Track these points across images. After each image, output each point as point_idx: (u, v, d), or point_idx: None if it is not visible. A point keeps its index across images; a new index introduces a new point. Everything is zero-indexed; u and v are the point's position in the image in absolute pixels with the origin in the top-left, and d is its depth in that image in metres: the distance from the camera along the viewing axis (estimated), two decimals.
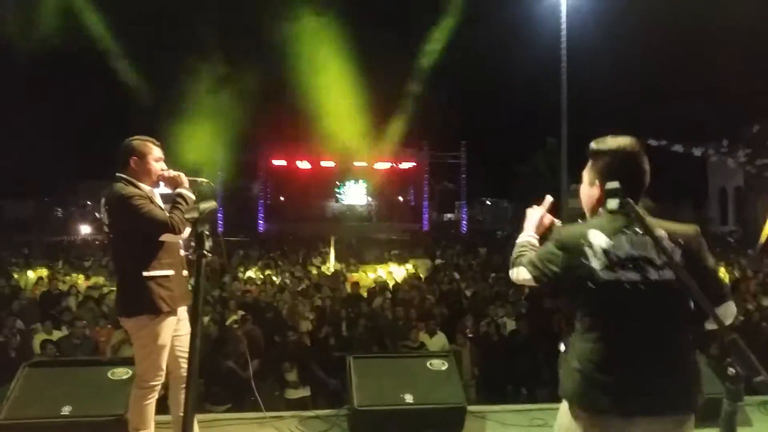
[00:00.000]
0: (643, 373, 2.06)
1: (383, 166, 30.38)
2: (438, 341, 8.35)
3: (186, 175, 3.51)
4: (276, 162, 28.93)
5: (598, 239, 2.13)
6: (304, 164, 28.91)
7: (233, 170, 28.85)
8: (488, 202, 42.99)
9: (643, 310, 2.07)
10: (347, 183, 31.63)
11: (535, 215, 2.57)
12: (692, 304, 2.09)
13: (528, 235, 2.49)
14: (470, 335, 8.60)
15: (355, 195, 31.82)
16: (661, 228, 2.14)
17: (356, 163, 29.57)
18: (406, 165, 30.87)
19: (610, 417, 2.08)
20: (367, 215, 31.04)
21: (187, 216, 2.80)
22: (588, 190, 2.32)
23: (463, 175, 30.99)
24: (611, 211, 2.00)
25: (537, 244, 2.44)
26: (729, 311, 2.15)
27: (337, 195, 31.77)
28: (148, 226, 3.31)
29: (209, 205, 2.30)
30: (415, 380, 4.49)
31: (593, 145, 2.29)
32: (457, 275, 13.46)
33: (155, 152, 3.56)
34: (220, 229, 26.37)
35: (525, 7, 27.11)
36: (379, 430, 4.26)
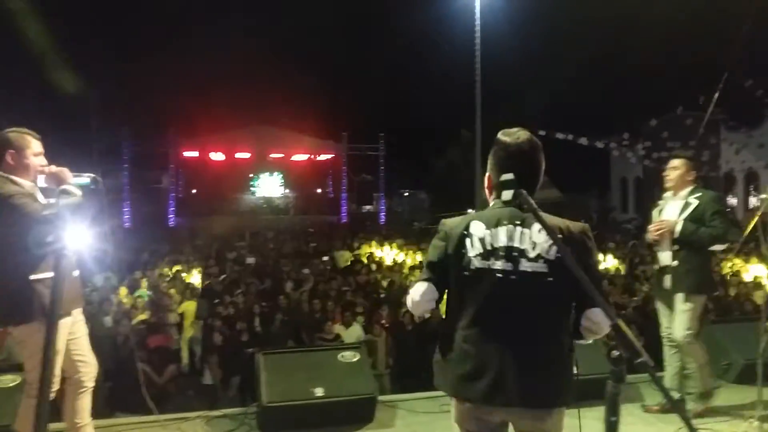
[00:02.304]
0: (509, 364, 2.08)
1: (301, 157, 29.99)
2: (354, 332, 8.37)
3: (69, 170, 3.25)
4: (187, 153, 27.88)
5: (477, 229, 2.18)
6: (217, 156, 27.98)
7: (141, 162, 27.65)
8: (406, 194, 43.47)
9: (512, 299, 2.12)
10: (263, 175, 30.96)
11: None
12: (570, 296, 2.12)
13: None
14: (386, 325, 8.66)
15: (271, 187, 31.20)
16: (555, 222, 2.19)
17: (272, 155, 29.02)
18: (324, 157, 30.61)
19: (475, 405, 2.15)
20: (283, 208, 30.51)
21: (45, 212, 2.62)
22: (485, 180, 2.38)
23: (382, 167, 31.12)
24: (506, 202, 2.02)
25: None
26: (600, 317, 2.14)
27: (253, 187, 31.04)
28: (32, 226, 3.06)
29: (69, 200, 2.14)
30: (325, 373, 4.50)
31: (498, 136, 2.33)
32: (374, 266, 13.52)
33: (34, 146, 3.29)
34: (127, 225, 25.20)
35: (440, 3, 27.54)
36: (288, 426, 4.21)
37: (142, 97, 28.51)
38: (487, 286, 2.13)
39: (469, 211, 2.66)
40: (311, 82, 35.31)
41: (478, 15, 23.67)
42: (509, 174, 1.99)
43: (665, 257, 4.33)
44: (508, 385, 2.08)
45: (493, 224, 2.19)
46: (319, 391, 4.32)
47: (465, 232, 2.19)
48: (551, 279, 2.10)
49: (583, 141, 25.38)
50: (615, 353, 1.70)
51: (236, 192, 29.73)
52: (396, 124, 34.31)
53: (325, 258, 15.02)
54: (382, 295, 10.68)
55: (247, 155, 28.30)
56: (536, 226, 2.12)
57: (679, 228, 4.14)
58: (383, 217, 31.76)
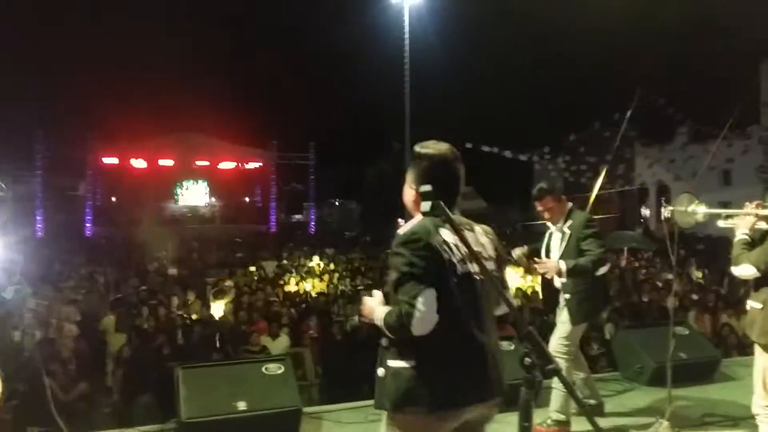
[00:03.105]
0: (489, 360, 2.22)
1: (227, 165, 29.29)
2: (281, 343, 8.22)
3: None
4: (107, 160, 26.65)
5: (448, 236, 2.22)
6: (139, 162, 26.88)
7: (56, 168, 26.14)
8: (337, 203, 43.38)
9: (484, 299, 2.26)
10: (187, 183, 30.00)
11: None
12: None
13: None
14: (314, 335, 8.56)
15: (196, 196, 30.28)
16: (475, 225, 2.37)
17: (198, 163, 28.20)
18: (252, 165, 30.05)
19: (454, 410, 2.17)
20: (209, 217, 29.70)
21: None
22: (407, 191, 2.40)
23: (312, 176, 30.91)
24: (424, 213, 2.03)
25: None
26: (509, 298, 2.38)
27: (176, 196, 30.00)
28: None
29: None
30: (249, 386, 4.37)
31: (416, 148, 2.38)
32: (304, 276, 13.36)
33: None
34: (39, 234, 23.77)
35: (371, 16, 27.77)
36: None
37: (57, 98, 27.11)
38: (468, 289, 2.23)
39: (400, 221, 2.66)
40: (239, 90, 34.76)
41: (407, 28, 24.03)
42: (427, 186, 2.01)
43: (557, 282, 4.43)
44: (491, 381, 2.22)
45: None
46: (241, 405, 4.19)
47: (441, 239, 2.21)
48: (497, 275, 2.33)
49: (508, 154, 26.19)
50: (527, 360, 1.74)
51: (159, 200, 28.66)
52: (326, 133, 34.26)
53: (252, 268, 14.72)
54: (311, 306, 10.57)
55: (170, 162, 27.37)
56: (478, 229, 2.34)
57: (564, 269, 4.16)
58: (313, 226, 31.53)
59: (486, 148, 26.63)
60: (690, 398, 4.92)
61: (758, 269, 3.21)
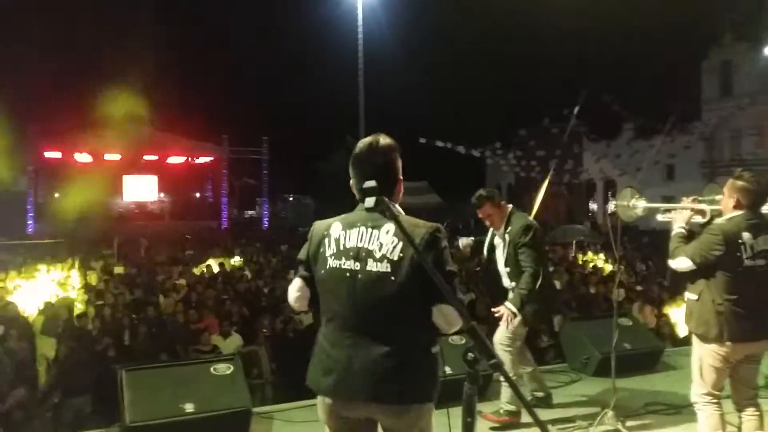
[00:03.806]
0: (356, 360, 2.19)
1: (177, 160, 28.60)
2: (233, 343, 8.09)
3: None
4: (49, 154, 25.61)
5: (335, 230, 2.30)
6: (83, 157, 25.93)
7: None
8: (291, 199, 43.00)
9: (361, 298, 2.21)
10: (135, 178, 29.14)
11: None
12: (422, 294, 2.13)
13: None
14: (267, 334, 8.45)
15: (144, 191, 29.45)
16: (412, 225, 2.23)
17: (146, 157, 27.42)
18: (203, 159, 29.45)
19: (333, 401, 2.26)
20: (158, 213, 28.94)
21: None
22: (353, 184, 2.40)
23: (265, 171, 30.50)
24: (368, 209, 2.02)
25: None
26: (447, 313, 2.21)
27: (123, 191, 29.10)
28: None
29: None
30: (197, 388, 4.30)
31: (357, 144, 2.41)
32: (248, 273, 13.17)
33: None
34: None
35: (325, 10, 27.58)
36: None
37: None
38: (339, 284, 2.24)
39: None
40: (190, 83, 33.99)
41: (360, 22, 23.95)
42: (371, 182, 1.99)
43: (506, 283, 4.44)
44: (354, 379, 2.18)
45: (349, 225, 2.30)
46: (189, 407, 4.11)
47: (326, 233, 2.32)
48: (394, 278, 2.16)
49: (461, 149, 26.50)
50: (470, 355, 1.74)
51: (104, 196, 27.74)
52: (280, 128, 33.90)
53: (203, 265, 14.42)
54: (264, 303, 10.43)
55: (117, 157, 26.51)
56: (385, 227, 2.20)
57: (515, 310, 4.14)
58: (266, 222, 31.15)
59: (440, 144, 26.92)
60: (634, 387, 5.07)
61: (694, 262, 3.31)
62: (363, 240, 2.24)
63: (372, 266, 2.19)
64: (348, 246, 2.24)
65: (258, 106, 35.11)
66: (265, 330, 8.52)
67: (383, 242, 2.20)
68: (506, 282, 4.42)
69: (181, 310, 9.31)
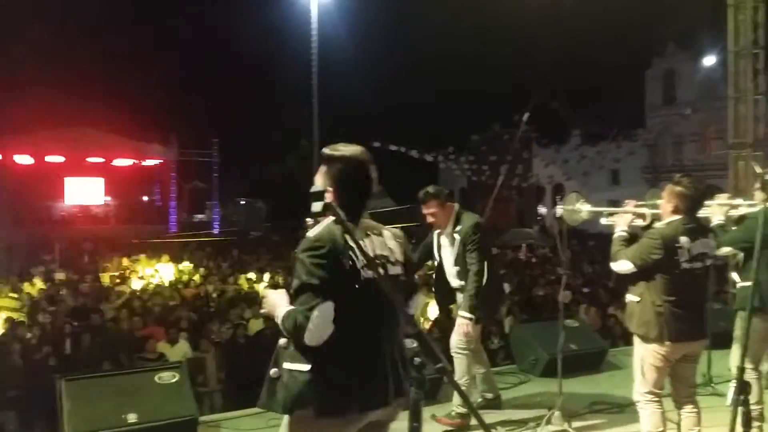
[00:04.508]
0: (393, 364, 2.26)
1: (124, 162, 27.73)
2: (180, 350, 7.91)
3: None
4: None
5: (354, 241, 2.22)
6: (23, 159, 24.82)
7: None
8: (242, 203, 42.34)
9: (387, 302, 2.16)
10: (79, 181, 28.08)
11: None
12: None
13: None
14: (216, 340, 8.28)
15: (88, 194, 28.42)
16: (384, 229, 2.39)
17: (90, 159, 26.48)
18: (150, 162, 28.64)
19: (352, 415, 2.19)
20: (103, 217, 28.01)
21: None
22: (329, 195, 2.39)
23: (216, 174, 29.95)
24: (316, 214, 1.99)
25: None
26: (419, 301, 2.53)
27: (67, 194, 27.99)
28: None
29: None
30: (141, 397, 4.19)
31: (327, 151, 2.38)
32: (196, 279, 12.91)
33: None
34: None
35: (279, 11, 27.35)
36: None
37: None
38: (372, 294, 2.18)
39: (309, 221, 2.60)
40: (137, 83, 33.11)
41: (314, 25, 23.82)
42: (318, 186, 1.99)
43: (453, 283, 4.47)
44: (391, 384, 2.23)
45: (363, 235, 2.30)
46: (132, 417, 4.00)
47: (346, 245, 2.20)
48: (404, 278, 2.39)
49: (414, 153, 26.71)
50: (417, 360, 1.74)
51: (46, 199, 26.64)
52: (231, 130, 33.36)
53: (150, 271, 14.04)
54: (213, 309, 10.22)
55: (60, 159, 25.50)
56: (387, 233, 2.37)
57: (468, 317, 4.16)
58: (217, 226, 30.59)
59: (393, 148, 27.05)
60: (580, 387, 5.18)
61: (634, 265, 3.42)
62: (377, 247, 2.32)
63: (392, 270, 2.34)
64: (372, 254, 2.27)
65: (208, 107, 34.43)
66: (214, 336, 8.35)
67: (391, 247, 2.36)
68: (454, 282, 4.43)
69: (126, 316, 9.03)
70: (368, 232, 2.32)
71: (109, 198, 29.07)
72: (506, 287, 11.98)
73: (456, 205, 4.47)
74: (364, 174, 2.36)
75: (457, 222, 4.35)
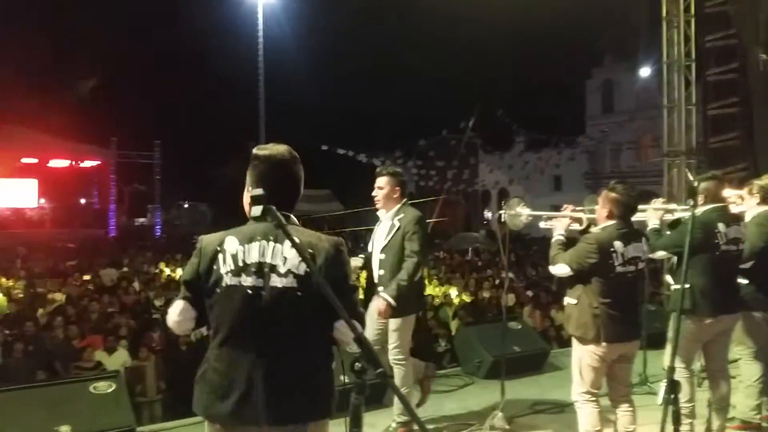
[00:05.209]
0: (258, 381, 2.09)
1: (60, 163, 26.64)
2: (119, 358, 7.65)
3: None
4: None
5: (231, 245, 2.17)
6: None
7: None
8: (186, 206, 41.36)
9: (263, 315, 2.11)
10: (11, 182, 26.78)
11: None
12: (324, 308, 2.07)
13: None
14: (156, 348, 8.04)
15: (22, 197, 27.15)
16: (296, 236, 2.14)
17: (24, 160, 25.30)
18: (88, 163, 27.61)
19: (233, 427, 2.14)
20: (38, 220, 26.82)
21: None
22: (246, 195, 2.33)
23: (158, 177, 29.12)
24: (255, 218, 1.97)
25: None
26: (345, 329, 2.18)
27: None
28: None
29: None
30: (74, 408, 4.03)
31: (254, 150, 2.31)
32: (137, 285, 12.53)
33: None
34: None
35: (224, 12, 26.91)
36: None
37: None
38: (238, 302, 2.12)
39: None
40: (75, 80, 31.86)
41: (260, 27, 23.57)
42: (258, 190, 1.94)
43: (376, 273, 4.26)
44: (256, 402, 2.08)
45: (247, 240, 2.18)
46: (64, 429, 3.84)
47: (219, 248, 2.17)
48: (300, 293, 2.12)
49: (362, 157, 26.72)
50: (357, 365, 1.74)
51: None
52: (174, 131, 32.57)
53: (87, 277, 13.53)
54: (155, 316, 9.92)
55: None
56: (288, 241, 2.11)
57: (391, 300, 3.98)
58: (159, 230, 29.76)
59: (341, 151, 27.01)
60: (522, 388, 5.29)
61: (571, 268, 3.52)
62: (265, 255, 2.14)
63: (277, 281, 2.12)
64: (249, 261, 2.13)
65: (150, 108, 33.48)
66: (154, 344, 8.11)
67: (287, 256, 2.13)
68: (375, 270, 4.18)
69: (61, 324, 8.67)
70: (259, 237, 2.15)
71: (43, 201, 27.88)
72: (452, 292, 12.11)
73: (405, 199, 4.32)
74: (287, 174, 2.27)
75: (400, 211, 4.21)
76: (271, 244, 2.15)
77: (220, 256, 2.15)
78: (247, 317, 2.11)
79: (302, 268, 2.12)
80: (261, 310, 2.10)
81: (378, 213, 4.35)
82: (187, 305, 2.18)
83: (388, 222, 4.22)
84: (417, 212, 4.28)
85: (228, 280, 2.13)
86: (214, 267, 2.15)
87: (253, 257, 2.14)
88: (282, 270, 2.12)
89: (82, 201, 30.26)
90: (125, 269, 14.94)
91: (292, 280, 2.12)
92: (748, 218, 4.18)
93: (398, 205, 4.23)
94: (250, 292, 2.11)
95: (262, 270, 2.12)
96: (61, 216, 27.40)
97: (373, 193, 4.29)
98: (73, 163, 26.86)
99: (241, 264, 2.13)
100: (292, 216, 2.24)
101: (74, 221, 27.18)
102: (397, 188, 4.25)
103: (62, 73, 33.47)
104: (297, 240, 1.91)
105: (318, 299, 2.05)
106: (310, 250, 2.13)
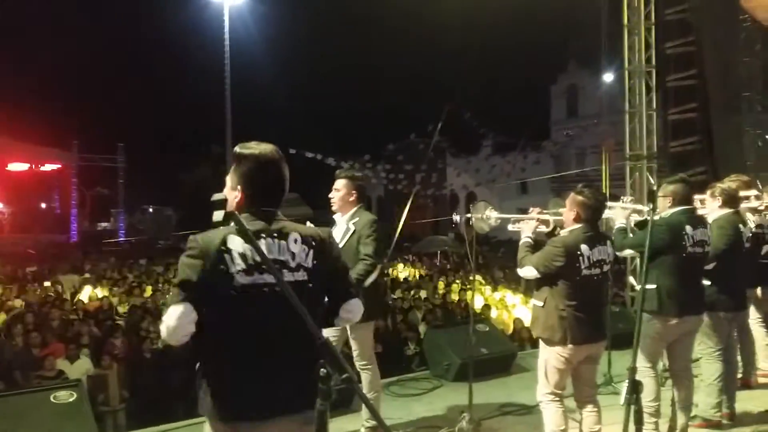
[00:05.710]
0: (279, 374, 2.13)
1: (19, 167, 25.89)
2: (81, 366, 7.49)
3: None
4: None
5: (236, 244, 2.13)
6: None
7: None
8: (150, 210, 40.64)
9: (281, 311, 2.06)
10: None
11: None
12: (324, 297, 2.28)
13: None
14: (119, 356, 7.87)
15: None
16: (296, 231, 2.24)
17: None
18: (49, 167, 26.90)
19: (246, 423, 2.14)
20: None
21: None
22: (231, 194, 2.29)
23: (121, 180, 28.52)
24: (216, 223, 1.93)
25: None
26: (356, 307, 2.35)
27: None
28: None
29: None
30: (34, 419, 3.90)
31: (237, 149, 2.29)
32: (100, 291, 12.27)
33: None
34: None
35: (190, 14, 26.56)
36: None
37: None
38: (256, 301, 2.12)
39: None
40: (34, 84, 31.05)
41: (227, 29, 23.31)
42: (221, 194, 1.92)
43: None
44: (281, 396, 2.14)
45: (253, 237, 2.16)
46: None
47: (223, 248, 2.12)
48: (311, 285, 2.21)
49: (331, 161, 26.63)
50: (323, 371, 1.72)
51: None
52: (139, 134, 32.01)
53: (47, 283, 13.18)
54: (117, 322, 9.72)
55: None
56: (292, 237, 2.21)
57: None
58: (123, 235, 29.15)
59: (310, 155, 26.87)
60: (490, 390, 5.32)
61: (538, 271, 3.57)
62: (273, 251, 2.16)
63: (289, 276, 2.16)
64: (258, 259, 2.10)
65: (113, 110, 32.82)
66: (117, 352, 7.93)
67: (295, 251, 2.20)
68: None
69: (20, 332, 8.41)
70: (263, 235, 2.16)
71: (1, 205, 27.10)
72: (422, 294, 12.14)
73: (361, 204, 4.31)
74: (275, 173, 2.27)
75: (355, 215, 4.20)
76: (276, 240, 2.19)
77: (227, 255, 2.11)
78: (267, 315, 2.12)
79: (310, 262, 2.22)
80: (279, 306, 2.04)
81: (334, 216, 4.32)
82: (190, 307, 2.08)
83: (344, 225, 4.20)
84: (372, 216, 4.27)
85: (241, 279, 2.10)
86: (221, 267, 2.10)
87: (274, 254, 2.17)
88: (292, 264, 2.19)
89: (43, 205, 29.55)
90: (87, 275, 14.60)
91: (302, 273, 2.20)
92: (710, 221, 4.29)
93: (354, 209, 4.22)
94: (266, 289, 2.12)
95: (271, 267, 2.10)
96: (21, 221, 26.74)
97: (330, 195, 4.27)
98: (33, 166, 26.16)
99: (252, 262, 2.11)
100: (279, 213, 2.26)
101: (34, 226, 26.53)
102: (354, 192, 4.24)
103: (24, 73, 32.58)
104: (295, 235, 2.09)
105: (325, 288, 2.26)
106: (313, 242, 2.25)
